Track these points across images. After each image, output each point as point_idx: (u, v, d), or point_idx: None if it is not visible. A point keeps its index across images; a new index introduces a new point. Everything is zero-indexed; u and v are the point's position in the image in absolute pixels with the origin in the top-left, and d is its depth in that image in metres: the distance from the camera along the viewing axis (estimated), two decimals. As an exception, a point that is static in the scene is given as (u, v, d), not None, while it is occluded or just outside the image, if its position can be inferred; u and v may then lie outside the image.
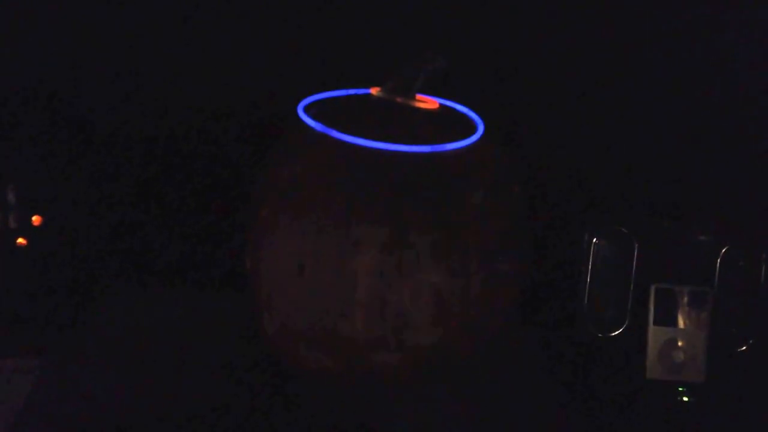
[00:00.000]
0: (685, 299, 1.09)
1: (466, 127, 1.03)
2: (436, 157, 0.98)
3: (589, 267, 1.14)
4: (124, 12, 1.18)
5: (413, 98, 1.04)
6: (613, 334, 1.13)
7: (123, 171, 1.21)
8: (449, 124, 1.03)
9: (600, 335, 1.14)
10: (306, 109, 1.04)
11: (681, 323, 1.09)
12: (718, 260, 1.11)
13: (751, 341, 1.11)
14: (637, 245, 1.13)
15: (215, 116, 1.23)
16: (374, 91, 1.05)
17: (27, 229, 1.05)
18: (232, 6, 1.20)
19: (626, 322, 1.13)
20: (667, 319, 1.10)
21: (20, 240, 1.06)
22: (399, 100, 1.04)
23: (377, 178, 0.96)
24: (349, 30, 1.20)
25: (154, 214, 1.24)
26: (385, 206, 0.95)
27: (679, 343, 1.08)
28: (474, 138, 1.01)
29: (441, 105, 1.06)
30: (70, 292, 1.13)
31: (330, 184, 0.96)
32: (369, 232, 0.95)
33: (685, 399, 1.07)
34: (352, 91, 1.06)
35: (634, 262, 1.13)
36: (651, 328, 1.09)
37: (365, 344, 0.97)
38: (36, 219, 1.04)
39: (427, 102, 1.05)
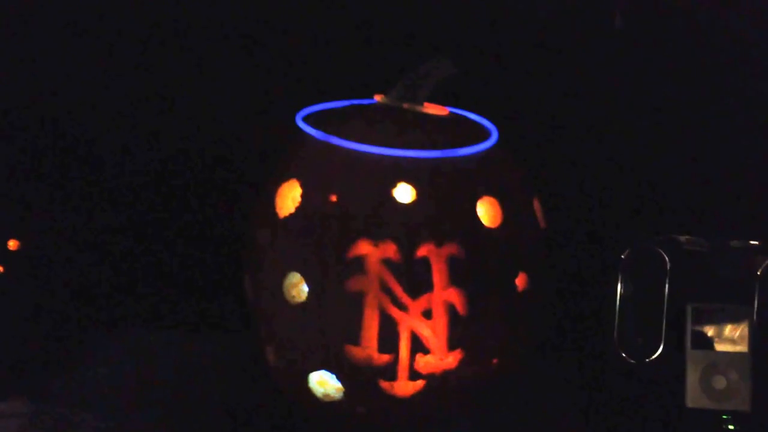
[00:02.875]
0: (725, 319, 1.00)
1: (479, 135, 0.95)
2: (448, 163, 0.90)
3: (619, 288, 1.04)
4: (112, 24, 1.12)
5: (421, 104, 0.96)
6: (648, 360, 1.03)
7: (112, 195, 1.14)
8: (461, 131, 0.95)
9: (633, 362, 1.04)
10: (305, 120, 0.96)
11: (721, 345, 0.99)
12: (758, 274, 1.02)
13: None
14: (669, 263, 1.04)
15: (209, 144, 1.16)
16: (379, 98, 0.97)
17: (2, 255, 0.97)
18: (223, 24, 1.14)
19: (661, 347, 1.03)
20: (705, 341, 1.00)
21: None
22: (406, 106, 0.96)
23: (382, 187, 0.88)
24: (351, 38, 1.13)
25: (146, 244, 1.16)
26: (392, 218, 0.87)
27: (721, 368, 0.98)
28: (489, 143, 0.93)
29: (452, 113, 0.98)
30: (54, 328, 1.05)
31: (330, 196, 0.88)
32: (375, 248, 0.86)
33: (731, 428, 0.97)
34: (354, 101, 0.98)
35: (667, 281, 1.04)
36: (689, 352, 1.00)
37: (375, 373, 0.88)
38: (13, 244, 0.96)
39: (437, 109, 0.97)
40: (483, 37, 1.14)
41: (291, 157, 0.94)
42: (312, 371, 0.90)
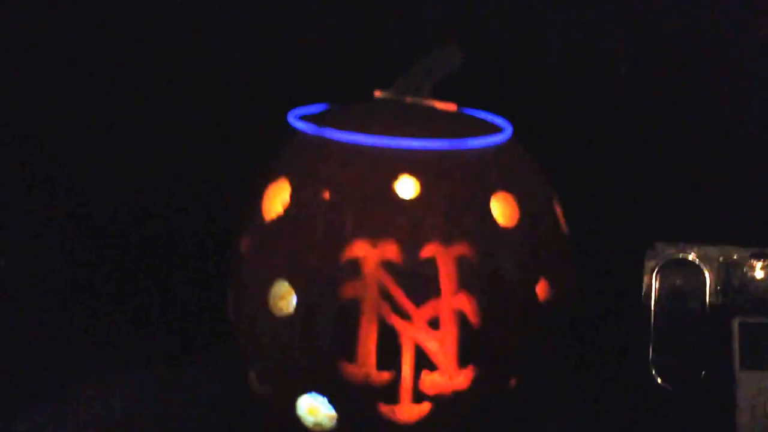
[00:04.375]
0: (778, 335, 0.87)
1: (491, 130, 0.84)
2: (456, 155, 0.79)
3: (652, 304, 0.92)
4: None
5: (425, 98, 0.85)
6: (689, 385, 0.91)
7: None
8: (471, 126, 0.83)
9: (671, 388, 0.91)
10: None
11: (775, 366, 0.87)
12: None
13: None
14: (708, 276, 0.92)
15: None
16: (378, 93, 0.87)
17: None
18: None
19: (704, 370, 0.91)
20: (757, 360, 0.87)
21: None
22: (409, 100, 0.85)
23: (382, 181, 0.77)
24: (351, 34, 1.03)
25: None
26: (393, 215, 0.75)
27: (775, 392, 0.86)
28: (502, 136, 0.82)
29: (461, 109, 0.87)
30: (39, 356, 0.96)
31: (323, 193, 0.77)
32: (373, 249, 0.75)
33: (790, 460, 0.84)
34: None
35: (707, 296, 0.92)
36: (738, 373, 0.87)
37: (373, 394, 0.75)
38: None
39: (444, 105, 0.86)
40: (494, 32, 1.04)
41: (280, 155, 0.83)
42: (301, 395, 0.78)
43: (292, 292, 0.77)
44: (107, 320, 1.07)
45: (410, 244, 0.75)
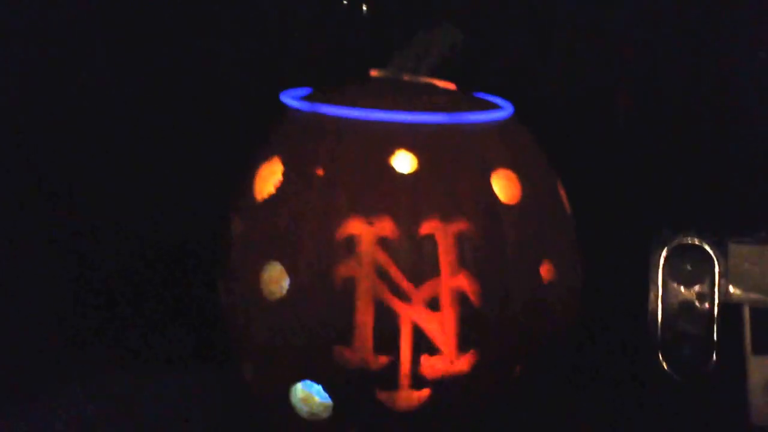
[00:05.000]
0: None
1: (492, 108, 0.81)
2: (456, 129, 0.75)
3: (660, 291, 0.89)
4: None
5: (424, 76, 0.82)
6: (699, 373, 0.87)
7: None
8: (471, 102, 0.80)
9: (679, 377, 0.88)
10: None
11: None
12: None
13: None
14: (718, 262, 0.88)
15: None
16: (374, 73, 0.83)
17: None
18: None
19: (714, 357, 0.87)
20: (769, 345, 0.84)
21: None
22: (406, 78, 0.81)
23: (378, 156, 0.73)
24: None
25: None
26: (389, 191, 0.72)
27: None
28: (504, 114, 0.79)
29: (460, 88, 0.84)
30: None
31: (316, 170, 0.73)
32: (369, 226, 0.71)
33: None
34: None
35: (717, 281, 0.88)
36: (750, 359, 0.83)
37: (371, 380, 0.72)
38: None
39: (443, 83, 0.83)
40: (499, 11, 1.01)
41: (272, 135, 0.79)
42: (295, 382, 0.74)
43: (285, 275, 0.73)
44: (100, 321, 1.04)
45: (408, 221, 0.71)
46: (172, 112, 1.03)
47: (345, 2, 0.92)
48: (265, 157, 0.78)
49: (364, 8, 0.93)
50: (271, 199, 0.75)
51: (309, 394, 0.75)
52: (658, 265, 0.90)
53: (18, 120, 0.98)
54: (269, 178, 0.76)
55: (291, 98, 0.80)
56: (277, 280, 0.74)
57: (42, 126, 1.00)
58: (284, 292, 0.73)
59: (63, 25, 0.99)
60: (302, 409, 0.75)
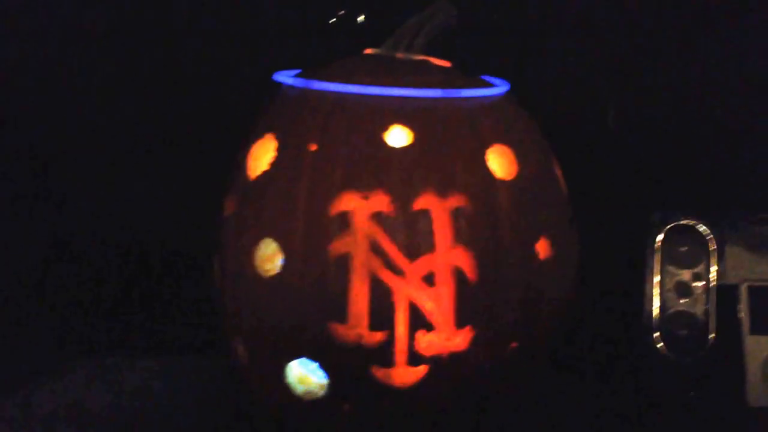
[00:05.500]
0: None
1: (487, 86, 0.80)
2: (451, 104, 0.75)
3: (656, 272, 0.88)
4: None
5: (418, 54, 0.81)
6: (696, 355, 0.87)
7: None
8: (466, 79, 0.79)
9: (676, 358, 0.87)
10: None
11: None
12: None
13: None
14: (714, 242, 0.88)
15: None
16: (369, 51, 0.83)
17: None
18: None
19: (711, 337, 0.87)
20: (766, 325, 0.83)
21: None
22: (400, 55, 0.81)
23: (372, 131, 0.72)
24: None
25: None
26: (384, 165, 0.71)
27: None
28: (499, 90, 0.78)
29: (455, 65, 0.83)
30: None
31: (310, 145, 0.73)
32: (363, 201, 0.71)
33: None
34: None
35: (713, 262, 0.88)
36: (747, 338, 0.83)
37: (366, 357, 0.71)
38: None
39: (438, 61, 0.82)
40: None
41: (266, 113, 0.79)
42: (289, 361, 0.73)
43: (279, 252, 0.72)
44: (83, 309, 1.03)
45: (402, 196, 0.71)
46: (166, 96, 1.02)
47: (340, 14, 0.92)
48: (259, 135, 0.77)
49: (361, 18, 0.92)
50: (265, 176, 0.74)
51: (304, 372, 0.74)
52: (654, 247, 0.89)
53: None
54: (263, 156, 0.75)
55: (283, 77, 0.79)
56: (271, 257, 0.73)
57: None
58: (278, 269, 0.72)
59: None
60: (297, 387, 0.74)
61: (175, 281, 1.03)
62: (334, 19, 0.96)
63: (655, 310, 0.88)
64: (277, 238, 0.72)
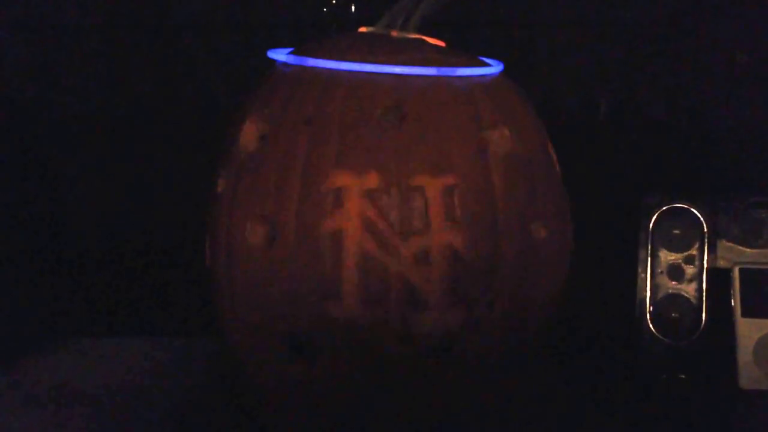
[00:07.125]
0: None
1: (483, 66, 0.80)
2: (445, 83, 0.74)
3: (649, 255, 0.88)
4: None
5: (412, 32, 0.81)
6: (688, 337, 0.87)
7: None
8: (462, 59, 0.79)
9: (668, 341, 0.87)
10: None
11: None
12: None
13: None
14: (706, 226, 0.88)
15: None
16: (363, 29, 0.82)
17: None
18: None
19: (704, 320, 0.87)
20: (759, 307, 0.83)
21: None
22: (394, 34, 0.80)
23: (365, 109, 0.72)
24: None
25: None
26: (377, 143, 0.71)
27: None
28: (494, 70, 0.78)
29: (450, 45, 0.83)
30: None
31: (301, 121, 0.72)
32: (356, 178, 0.70)
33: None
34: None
35: (705, 245, 0.88)
36: (739, 321, 0.83)
37: (361, 333, 0.70)
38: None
39: (432, 40, 0.82)
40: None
41: (258, 90, 0.78)
42: (282, 339, 0.73)
43: (272, 229, 0.72)
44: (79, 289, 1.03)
45: (396, 174, 0.70)
46: (160, 84, 1.02)
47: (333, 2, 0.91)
48: (251, 112, 0.76)
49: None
50: (257, 154, 0.74)
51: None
52: (647, 229, 0.89)
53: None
54: (255, 133, 0.75)
55: (276, 54, 0.79)
56: (263, 234, 0.73)
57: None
58: (271, 246, 0.72)
59: None
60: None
61: (166, 262, 1.03)
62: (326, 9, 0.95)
63: (648, 292, 0.88)
64: (270, 216, 0.72)
